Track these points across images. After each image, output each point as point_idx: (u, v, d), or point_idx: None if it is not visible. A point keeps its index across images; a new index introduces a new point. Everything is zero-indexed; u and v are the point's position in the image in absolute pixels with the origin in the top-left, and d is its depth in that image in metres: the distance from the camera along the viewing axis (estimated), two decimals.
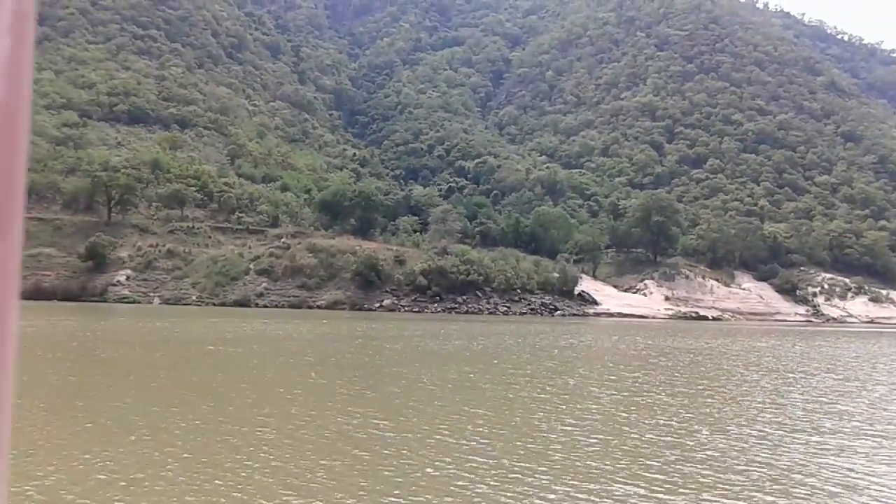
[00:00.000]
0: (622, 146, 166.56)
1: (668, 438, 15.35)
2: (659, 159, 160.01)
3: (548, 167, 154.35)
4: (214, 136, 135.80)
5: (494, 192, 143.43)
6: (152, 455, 12.22)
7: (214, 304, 77.28)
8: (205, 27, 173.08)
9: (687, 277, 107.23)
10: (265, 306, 78.75)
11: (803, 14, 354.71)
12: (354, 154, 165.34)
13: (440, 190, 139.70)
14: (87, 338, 36.31)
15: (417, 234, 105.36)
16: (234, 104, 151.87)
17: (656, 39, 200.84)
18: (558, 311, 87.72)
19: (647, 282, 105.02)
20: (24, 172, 0.35)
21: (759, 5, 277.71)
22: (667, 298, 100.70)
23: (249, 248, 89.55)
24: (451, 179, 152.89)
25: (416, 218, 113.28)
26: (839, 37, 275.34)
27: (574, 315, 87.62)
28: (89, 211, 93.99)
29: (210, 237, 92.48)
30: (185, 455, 12.32)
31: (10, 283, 0.35)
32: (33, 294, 75.27)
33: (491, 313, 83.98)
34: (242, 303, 78.42)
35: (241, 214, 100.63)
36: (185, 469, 11.45)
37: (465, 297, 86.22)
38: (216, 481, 10.93)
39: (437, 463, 12.46)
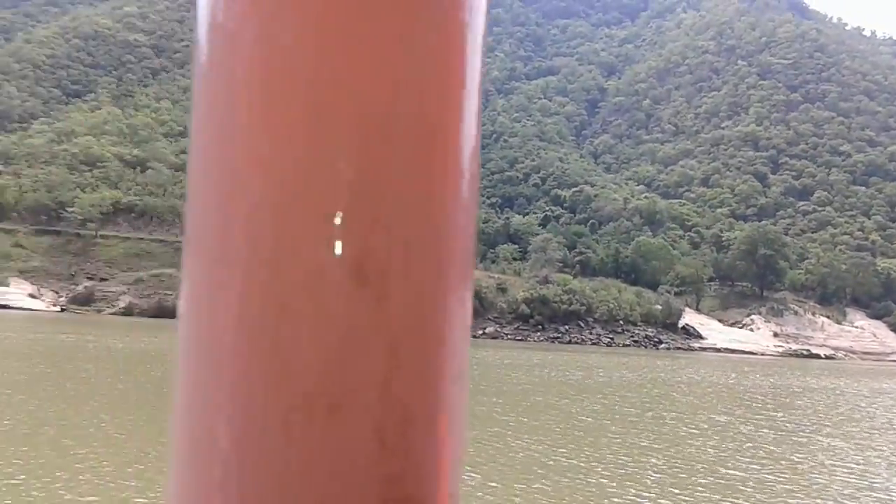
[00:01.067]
0: (724, 176, 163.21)
1: (854, 480, 15.47)
2: (763, 190, 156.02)
3: (646, 197, 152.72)
4: None
5: (591, 221, 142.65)
6: None
7: None
8: None
9: (796, 313, 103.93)
10: None
11: None
12: None
13: (536, 218, 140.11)
14: None
15: (517, 262, 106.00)
16: None
17: (758, 68, 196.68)
18: (663, 345, 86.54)
19: (753, 317, 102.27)
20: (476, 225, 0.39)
21: (867, 33, 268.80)
22: (775, 335, 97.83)
23: None
24: (547, 208, 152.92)
25: (516, 246, 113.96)
26: None
27: (679, 349, 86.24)
28: None
29: None
30: None
31: (465, 326, 0.38)
32: (157, 312, 79.40)
33: (594, 344, 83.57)
34: None
35: None
36: None
37: (567, 327, 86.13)
38: None
39: (655, 495, 13.04)
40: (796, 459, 17.68)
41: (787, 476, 15.37)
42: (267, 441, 0.35)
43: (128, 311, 79.33)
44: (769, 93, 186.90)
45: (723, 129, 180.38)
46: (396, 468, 0.36)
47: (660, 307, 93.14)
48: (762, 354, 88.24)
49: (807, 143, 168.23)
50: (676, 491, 13.48)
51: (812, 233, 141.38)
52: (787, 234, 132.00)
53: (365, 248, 0.35)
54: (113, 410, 18.53)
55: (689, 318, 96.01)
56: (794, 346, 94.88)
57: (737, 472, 15.52)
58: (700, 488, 13.98)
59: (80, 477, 12.09)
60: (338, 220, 0.35)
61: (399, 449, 0.36)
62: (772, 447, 19.40)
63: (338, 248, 0.35)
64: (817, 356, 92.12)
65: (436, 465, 0.37)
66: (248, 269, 0.36)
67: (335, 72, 0.35)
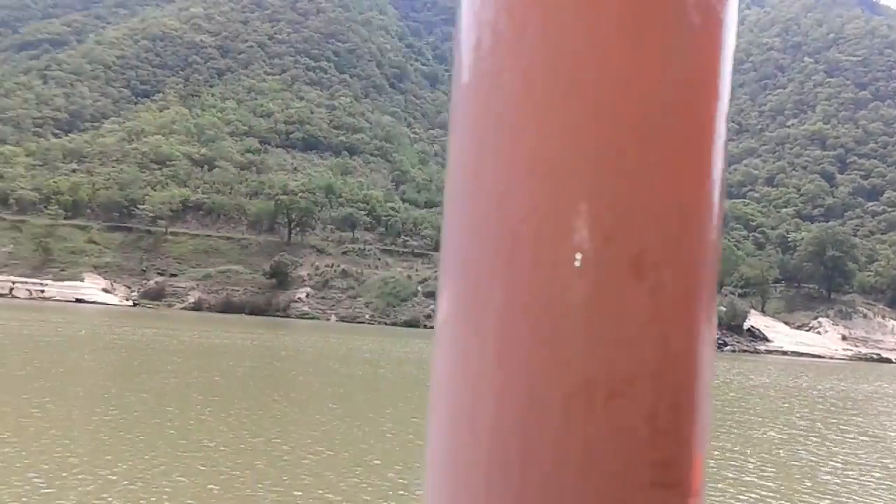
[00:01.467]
0: (789, 176, 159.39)
1: None
2: (830, 190, 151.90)
3: None
4: (380, 163, 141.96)
5: None
6: None
7: (386, 324, 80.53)
8: (370, 59, 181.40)
9: (865, 316, 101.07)
10: (433, 328, 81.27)
11: None
12: None
13: None
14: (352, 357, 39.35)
15: None
16: (397, 132, 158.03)
17: (826, 65, 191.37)
18: (727, 347, 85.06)
19: (821, 319, 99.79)
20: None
21: None
22: (844, 338, 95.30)
23: (416, 270, 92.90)
24: None
25: None
26: None
27: (744, 351, 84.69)
28: (271, 231, 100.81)
29: (379, 259, 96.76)
30: None
31: (714, 320, 0.39)
32: (224, 308, 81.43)
33: None
34: (412, 323, 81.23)
35: (406, 238, 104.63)
36: None
37: None
38: None
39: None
40: (892, 466, 17.40)
41: (887, 483, 15.17)
42: (547, 427, 0.36)
43: (197, 306, 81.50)
44: (837, 90, 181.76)
45: (788, 127, 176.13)
46: (668, 454, 0.37)
47: (724, 308, 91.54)
48: (830, 358, 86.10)
49: (876, 142, 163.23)
50: (776, 496, 13.45)
51: (882, 234, 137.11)
52: (855, 236, 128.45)
53: (643, 243, 0.37)
54: (210, 403, 19.19)
55: (755, 320, 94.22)
56: (863, 350, 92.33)
57: (833, 478, 15.37)
58: (796, 493, 13.91)
59: (197, 465, 12.63)
60: (620, 215, 0.36)
61: (671, 436, 0.37)
62: (864, 452, 19.09)
63: (620, 242, 0.36)
64: (888, 360, 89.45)
65: (699, 453, 0.38)
66: (531, 264, 0.37)
67: (618, 71, 0.36)
